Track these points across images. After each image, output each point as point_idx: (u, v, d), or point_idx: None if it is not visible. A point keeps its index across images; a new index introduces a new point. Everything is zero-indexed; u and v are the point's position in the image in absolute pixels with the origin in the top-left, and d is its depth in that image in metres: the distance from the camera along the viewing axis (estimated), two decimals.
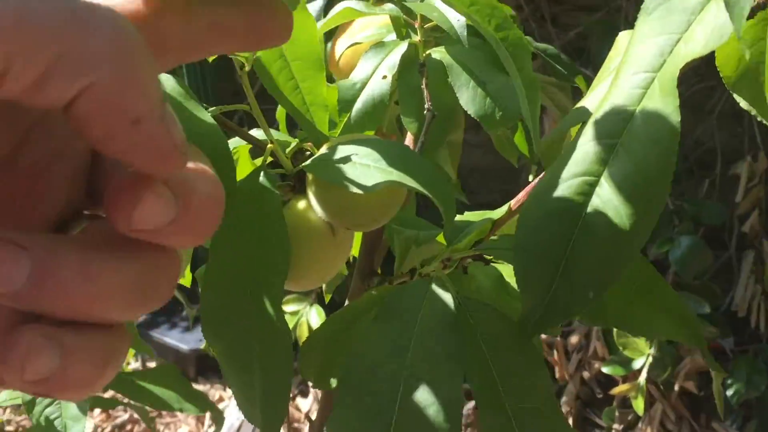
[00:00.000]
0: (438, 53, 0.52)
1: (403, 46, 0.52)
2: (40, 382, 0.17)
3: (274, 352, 0.36)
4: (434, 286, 0.34)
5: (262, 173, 0.37)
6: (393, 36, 0.55)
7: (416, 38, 0.53)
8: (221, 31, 0.20)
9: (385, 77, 0.51)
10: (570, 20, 1.51)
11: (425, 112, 0.51)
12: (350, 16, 0.53)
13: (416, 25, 0.53)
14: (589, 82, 0.66)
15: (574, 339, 1.56)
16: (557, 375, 1.54)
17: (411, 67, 0.52)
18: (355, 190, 0.33)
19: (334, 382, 0.40)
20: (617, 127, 0.29)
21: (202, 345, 1.68)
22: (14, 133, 0.19)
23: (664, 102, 0.28)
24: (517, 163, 0.70)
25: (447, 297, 0.33)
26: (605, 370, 1.41)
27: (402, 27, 0.55)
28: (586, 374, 1.55)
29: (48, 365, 0.17)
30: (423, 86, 0.51)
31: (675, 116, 0.28)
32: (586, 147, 0.30)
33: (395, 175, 0.33)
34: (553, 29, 1.48)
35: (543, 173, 0.40)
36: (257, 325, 0.35)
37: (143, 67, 0.16)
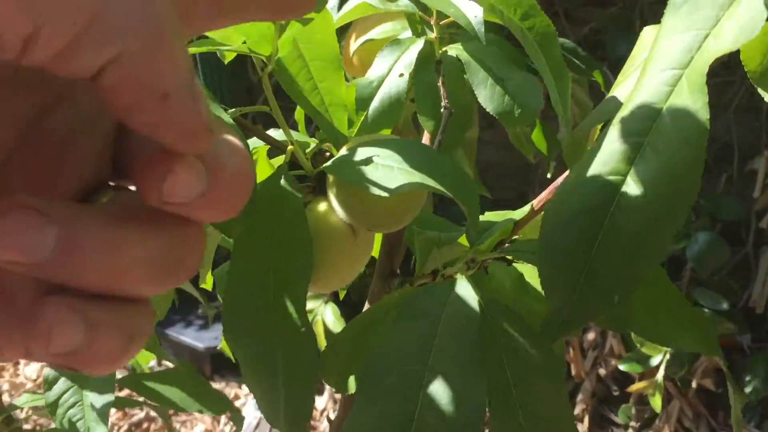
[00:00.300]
0: (454, 50, 0.51)
1: (420, 44, 0.51)
2: (66, 355, 0.17)
3: (298, 356, 0.35)
4: (458, 288, 0.33)
5: (283, 175, 0.37)
6: (408, 32, 0.55)
7: (432, 35, 0.53)
8: None
9: (401, 75, 0.50)
10: (584, 15, 1.49)
11: (442, 110, 0.50)
12: (365, 12, 0.53)
13: (432, 22, 0.53)
14: (605, 77, 0.66)
15: (590, 336, 1.55)
16: (573, 372, 1.53)
17: (427, 65, 0.51)
18: (378, 192, 0.33)
19: (352, 387, 0.40)
20: (644, 125, 0.29)
21: (218, 343, 1.68)
22: (40, 98, 0.19)
23: (693, 99, 0.28)
24: (532, 159, 0.70)
25: (471, 299, 0.33)
26: (622, 367, 1.40)
27: (417, 23, 0.54)
28: (602, 371, 1.54)
29: (73, 338, 0.17)
30: (439, 84, 0.51)
31: (704, 114, 0.27)
32: (612, 145, 0.29)
33: (418, 177, 0.33)
34: (567, 25, 1.47)
35: (567, 172, 0.39)
36: (281, 329, 0.35)
37: (174, 39, 0.16)
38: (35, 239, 0.16)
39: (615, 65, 1.26)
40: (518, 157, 0.71)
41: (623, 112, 0.30)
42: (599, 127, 0.37)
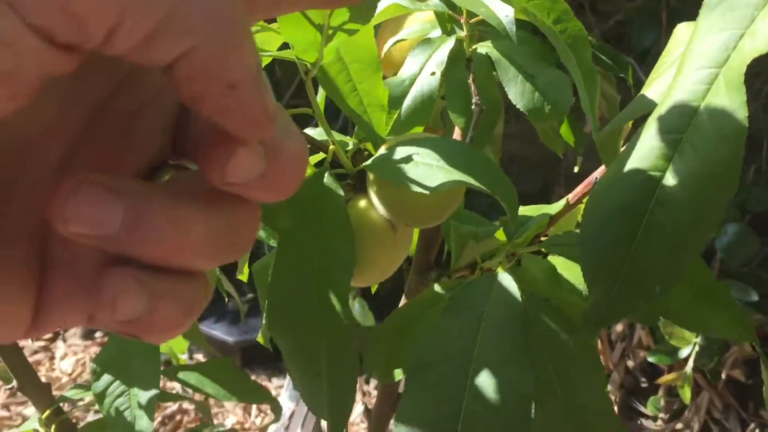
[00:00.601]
0: (484, 48, 0.52)
1: (450, 42, 0.52)
2: (129, 322, 0.18)
3: (341, 347, 0.37)
4: (500, 281, 0.34)
5: (326, 174, 0.38)
6: (438, 31, 0.55)
7: (462, 33, 0.54)
8: None
9: (433, 74, 0.51)
10: (610, 7, 1.48)
11: (473, 107, 0.51)
12: (397, 12, 0.54)
13: (462, 20, 0.54)
14: (631, 71, 0.66)
15: (618, 328, 1.55)
16: None
17: (458, 63, 0.52)
18: (419, 189, 0.34)
19: (398, 375, 0.41)
20: (682, 122, 0.29)
21: (248, 337, 1.71)
22: (108, 80, 0.20)
23: (731, 98, 0.28)
24: (561, 154, 0.70)
25: (514, 291, 0.34)
26: (651, 359, 1.40)
27: (446, 22, 0.55)
28: (630, 363, 1.54)
29: (137, 307, 0.17)
30: (469, 81, 0.52)
31: (742, 112, 0.28)
32: (650, 142, 0.30)
33: (457, 175, 0.34)
34: (592, 17, 1.46)
35: (601, 166, 0.40)
36: (324, 321, 0.37)
37: (244, 34, 0.17)
38: (105, 214, 0.17)
39: (641, 57, 1.25)
40: (543, 150, 0.71)
41: (660, 109, 0.30)
42: (631, 123, 0.38)
